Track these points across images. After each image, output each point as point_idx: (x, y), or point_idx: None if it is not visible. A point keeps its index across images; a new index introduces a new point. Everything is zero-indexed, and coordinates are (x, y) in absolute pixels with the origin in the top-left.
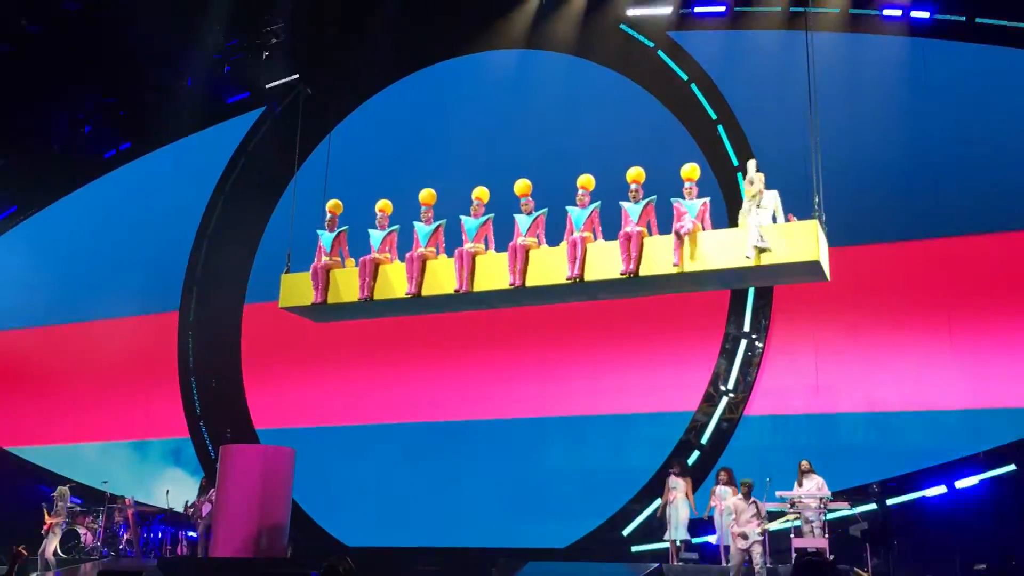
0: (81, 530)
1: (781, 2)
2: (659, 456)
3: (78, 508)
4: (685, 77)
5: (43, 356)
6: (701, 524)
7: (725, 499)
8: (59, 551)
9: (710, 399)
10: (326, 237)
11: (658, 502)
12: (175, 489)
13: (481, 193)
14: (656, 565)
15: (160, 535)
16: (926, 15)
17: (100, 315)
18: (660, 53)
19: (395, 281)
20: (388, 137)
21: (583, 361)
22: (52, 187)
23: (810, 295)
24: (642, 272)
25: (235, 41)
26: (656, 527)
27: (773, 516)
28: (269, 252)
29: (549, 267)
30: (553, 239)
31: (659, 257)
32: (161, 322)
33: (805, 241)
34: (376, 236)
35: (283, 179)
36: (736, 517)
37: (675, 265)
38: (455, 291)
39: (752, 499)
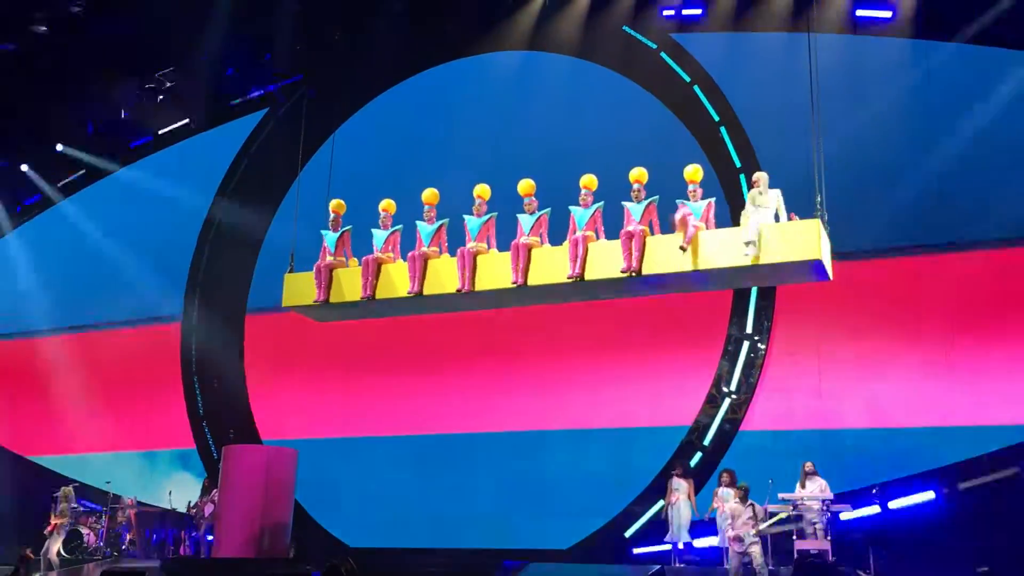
0: (84, 530)
1: (784, 3)
2: (661, 458)
3: (81, 509)
4: (688, 79)
5: (47, 365)
6: (703, 526)
7: (727, 501)
8: (62, 551)
9: (712, 401)
10: (330, 237)
11: (660, 504)
12: (180, 491)
13: (482, 191)
14: (658, 567)
15: (163, 535)
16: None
17: (101, 319)
18: (663, 55)
19: (397, 280)
20: (391, 138)
21: (584, 371)
22: (54, 189)
23: (813, 296)
24: (644, 271)
25: (238, 42)
26: (658, 529)
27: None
28: (272, 253)
29: (551, 266)
30: (556, 239)
31: (661, 256)
32: (164, 330)
33: (807, 240)
34: (379, 236)
35: (286, 180)
36: (732, 521)
37: (681, 248)
38: (457, 290)
39: (750, 502)
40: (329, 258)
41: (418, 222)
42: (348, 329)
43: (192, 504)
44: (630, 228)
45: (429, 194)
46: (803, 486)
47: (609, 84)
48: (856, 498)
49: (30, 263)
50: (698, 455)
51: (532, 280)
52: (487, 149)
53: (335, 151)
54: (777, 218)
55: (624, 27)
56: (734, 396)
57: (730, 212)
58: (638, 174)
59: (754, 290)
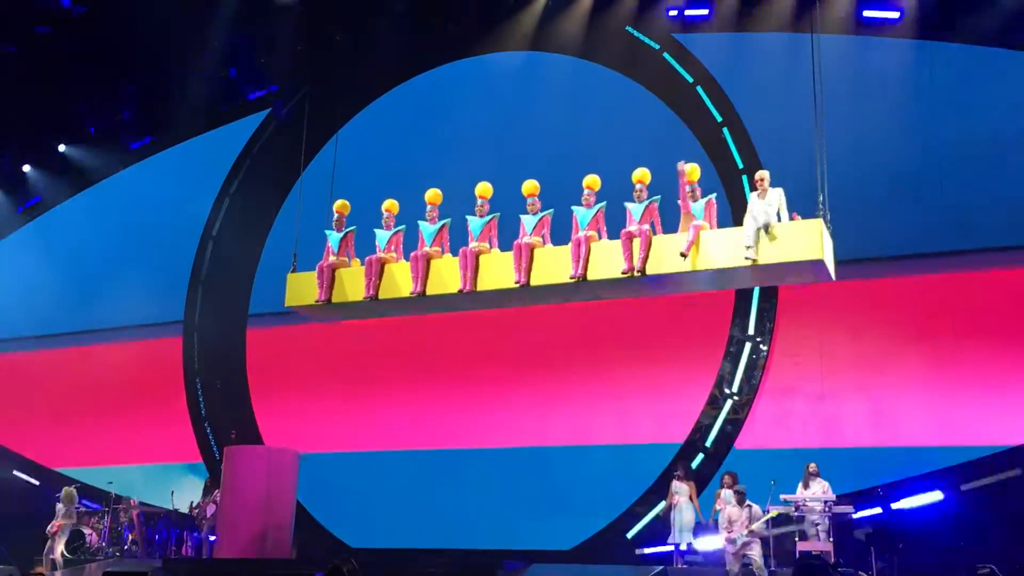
0: (86, 530)
1: (787, 3)
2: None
3: (84, 509)
4: (690, 79)
5: (52, 376)
6: (705, 527)
7: (729, 503)
8: (65, 552)
9: (714, 402)
10: (334, 237)
11: (662, 505)
12: (182, 491)
13: (484, 190)
14: (660, 568)
15: (165, 536)
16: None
17: (102, 322)
18: (665, 55)
19: (400, 280)
20: (393, 138)
21: (585, 380)
22: (56, 189)
23: (816, 297)
24: (646, 271)
25: (240, 42)
26: (660, 530)
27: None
28: (274, 253)
29: (553, 266)
30: (558, 240)
31: (663, 256)
32: (167, 342)
33: (810, 240)
34: (382, 236)
35: (288, 181)
36: (729, 525)
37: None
38: (459, 290)
39: (746, 503)
40: (332, 258)
41: (420, 222)
42: (348, 338)
43: (194, 504)
44: (631, 228)
45: (432, 194)
46: (806, 487)
47: (611, 85)
48: (859, 499)
49: (29, 265)
50: (700, 456)
51: (534, 280)
52: (490, 149)
53: (337, 151)
54: (779, 217)
55: (627, 27)
56: (736, 398)
57: (731, 213)
58: (641, 174)
59: (756, 291)
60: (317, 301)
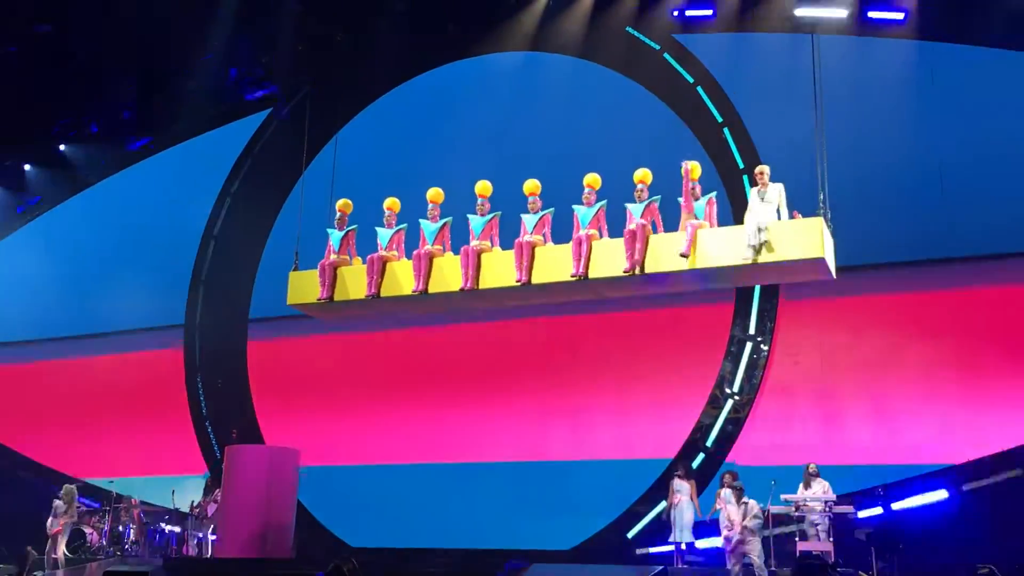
0: (87, 529)
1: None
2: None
3: (83, 508)
4: (691, 80)
5: (52, 384)
6: (706, 527)
7: (729, 502)
8: (66, 551)
9: (715, 401)
10: (335, 235)
11: (663, 504)
12: (183, 491)
13: (483, 188)
14: (661, 567)
15: (166, 535)
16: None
17: (102, 324)
18: (666, 56)
19: (402, 278)
20: (395, 137)
21: (583, 394)
22: (57, 189)
23: (816, 296)
24: (647, 269)
25: (241, 42)
26: (661, 529)
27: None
28: (275, 253)
29: (555, 265)
30: (559, 239)
31: (663, 254)
32: (168, 352)
33: (810, 238)
34: (384, 234)
35: (289, 181)
36: (730, 524)
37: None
38: (461, 288)
39: (743, 500)
40: (333, 256)
41: (422, 221)
42: (349, 349)
43: (195, 504)
44: (631, 227)
45: (433, 193)
46: (806, 487)
47: (612, 85)
48: (860, 499)
49: (28, 265)
50: (700, 456)
51: (536, 278)
52: (490, 149)
53: (338, 150)
54: (779, 214)
55: (627, 28)
56: (736, 398)
57: (732, 213)
58: (642, 175)
59: (757, 291)
60: (319, 299)
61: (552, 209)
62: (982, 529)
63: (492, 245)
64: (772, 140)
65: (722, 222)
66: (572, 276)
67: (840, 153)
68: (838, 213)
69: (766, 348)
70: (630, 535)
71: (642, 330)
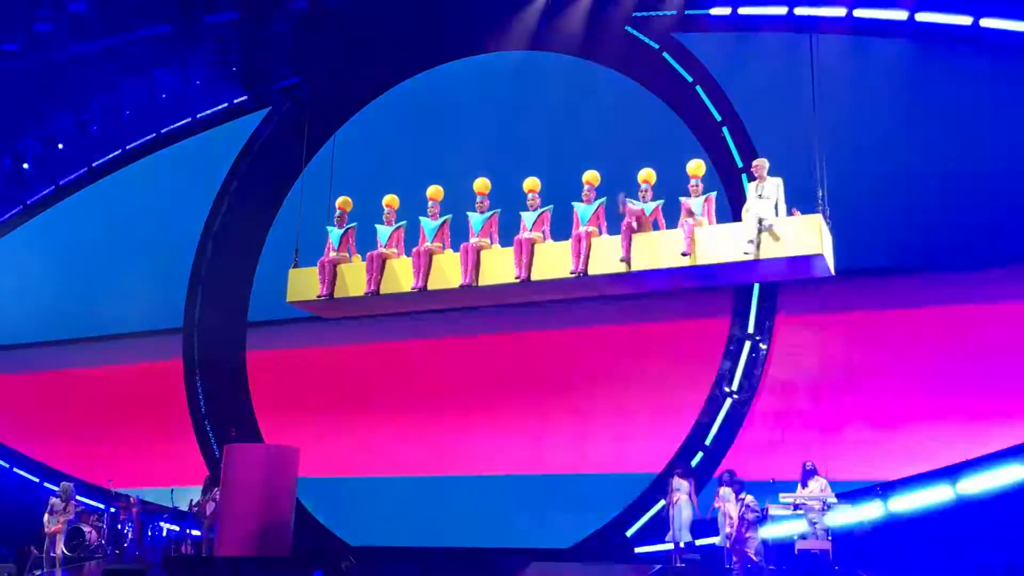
0: (86, 528)
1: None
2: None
3: (81, 507)
4: (690, 79)
5: (53, 392)
6: (704, 525)
7: (728, 501)
8: (64, 550)
9: (714, 400)
10: (335, 233)
11: (661, 503)
12: (182, 489)
13: (482, 185)
14: (659, 566)
15: (164, 534)
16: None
17: (102, 325)
18: (665, 55)
19: (401, 275)
20: (394, 136)
21: (582, 402)
22: (56, 189)
23: (815, 294)
24: (647, 266)
25: (240, 41)
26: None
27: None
28: (274, 252)
29: (554, 261)
30: (558, 236)
31: (663, 251)
32: (169, 364)
33: (809, 235)
34: (383, 231)
35: (288, 180)
36: (730, 521)
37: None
38: (460, 285)
39: (741, 497)
40: (333, 253)
41: (422, 218)
42: (349, 362)
43: (194, 502)
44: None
45: (433, 190)
46: (804, 485)
47: (611, 84)
48: (858, 498)
49: (28, 265)
50: (699, 455)
51: (535, 275)
52: (490, 148)
53: (337, 149)
54: (777, 210)
55: (626, 27)
56: (735, 396)
57: (731, 212)
58: (646, 175)
59: (756, 289)
60: (319, 296)
61: (551, 206)
62: (982, 529)
63: (492, 242)
64: (770, 139)
65: (721, 222)
66: (571, 273)
67: (840, 152)
68: (837, 213)
69: (765, 346)
70: (628, 533)
71: (638, 345)
